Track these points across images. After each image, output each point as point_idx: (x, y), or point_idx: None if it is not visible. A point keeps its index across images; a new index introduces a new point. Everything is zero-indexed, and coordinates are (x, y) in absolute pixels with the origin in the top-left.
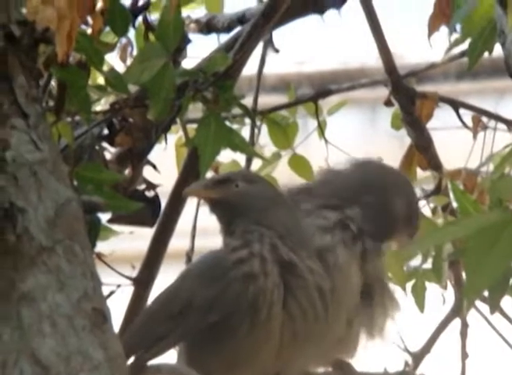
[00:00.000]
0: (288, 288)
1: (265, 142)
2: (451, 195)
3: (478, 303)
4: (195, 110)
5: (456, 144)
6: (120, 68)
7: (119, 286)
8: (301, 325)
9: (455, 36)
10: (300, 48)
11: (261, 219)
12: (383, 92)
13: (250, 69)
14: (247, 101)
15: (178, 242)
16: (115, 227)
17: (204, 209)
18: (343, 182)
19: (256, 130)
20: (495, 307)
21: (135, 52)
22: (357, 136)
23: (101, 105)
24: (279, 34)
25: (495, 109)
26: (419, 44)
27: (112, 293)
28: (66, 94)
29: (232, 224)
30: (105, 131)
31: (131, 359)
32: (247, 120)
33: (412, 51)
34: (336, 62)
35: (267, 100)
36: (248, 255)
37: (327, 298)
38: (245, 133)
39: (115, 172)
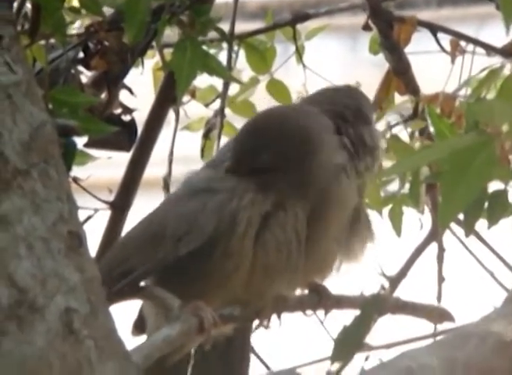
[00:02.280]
0: (267, 224)
1: (243, 67)
2: (428, 120)
3: (455, 227)
4: (172, 35)
5: (434, 68)
6: None
7: (96, 210)
8: (274, 260)
9: None
10: None
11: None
12: (363, 19)
13: None
14: (225, 28)
15: (155, 170)
16: (92, 152)
17: (183, 135)
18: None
19: (233, 55)
20: (470, 230)
21: None
22: (336, 62)
23: (76, 29)
24: None
25: (476, 35)
26: None
27: (89, 217)
28: (41, 16)
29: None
30: (81, 54)
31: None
32: (225, 45)
33: None
34: None
35: (247, 27)
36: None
37: (302, 243)
38: (222, 58)
39: (91, 95)
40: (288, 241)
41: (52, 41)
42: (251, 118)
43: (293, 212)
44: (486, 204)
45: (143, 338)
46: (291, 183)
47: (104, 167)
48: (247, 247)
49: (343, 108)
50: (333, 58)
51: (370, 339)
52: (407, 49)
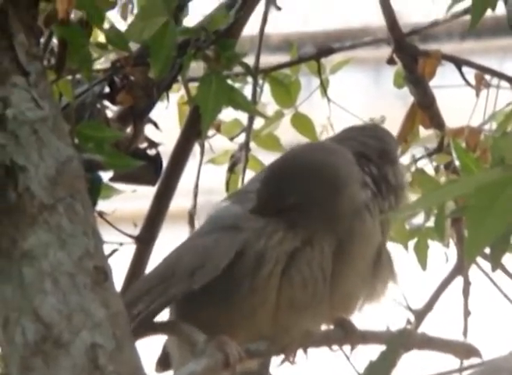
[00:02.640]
0: (293, 260)
1: (268, 101)
2: (453, 154)
3: (481, 261)
4: (197, 69)
5: (459, 102)
6: (121, 26)
7: (121, 244)
8: (299, 296)
9: None
10: (304, 6)
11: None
12: (387, 52)
13: (252, 28)
14: (250, 61)
15: (180, 202)
16: (118, 186)
17: (208, 169)
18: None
19: (258, 89)
20: (496, 264)
21: (136, 10)
22: (360, 96)
23: (102, 64)
24: None
25: (499, 68)
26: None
27: (114, 251)
28: (67, 52)
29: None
30: (107, 89)
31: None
32: (249, 79)
33: (416, 9)
34: (339, 22)
35: (270, 60)
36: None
37: (327, 278)
38: (247, 92)
39: (117, 130)
40: (314, 277)
41: (78, 76)
42: (278, 158)
43: (320, 247)
44: None
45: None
46: (318, 219)
47: (129, 200)
48: (273, 283)
49: (367, 147)
50: (357, 91)
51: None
52: (432, 83)
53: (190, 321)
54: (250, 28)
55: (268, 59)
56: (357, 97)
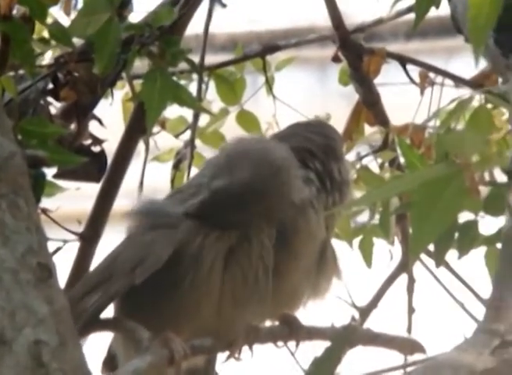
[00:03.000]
0: (233, 252)
1: (213, 98)
2: (398, 150)
3: (425, 258)
4: (142, 67)
5: (404, 100)
6: (64, 21)
7: (65, 241)
8: (241, 288)
9: None
10: (250, 6)
11: None
12: (333, 51)
13: (198, 27)
14: (196, 59)
15: (125, 202)
16: (62, 183)
17: (153, 166)
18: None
19: (203, 86)
20: (440, 261)
21: (79, 6)
22: (305, 94)
23: (46, 60)
24: None
25: (445, 68)
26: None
27: (58, 249)
28: (10, 47)
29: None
30: (50, 85)
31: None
32: (195, 76)
33: (361, 9)
34: (286, 21)
35: (217, 59)
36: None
37: (269, 269)
38: (193, 89)
39: (60, 126)
40: (254, 269)
41: (22, 72)
42: (219, 149)
43: (259, 240)
44: (456, 234)
45: None
46: (255, 215)
47: (74, 199)
48: (214, 277)
49: (312, 143)
50: (302, 90)
51: (341, 371)
52: (377, 81)
53: (135, 318)
54: (196, 27)
55: (214, 59)
56: (303, 96)
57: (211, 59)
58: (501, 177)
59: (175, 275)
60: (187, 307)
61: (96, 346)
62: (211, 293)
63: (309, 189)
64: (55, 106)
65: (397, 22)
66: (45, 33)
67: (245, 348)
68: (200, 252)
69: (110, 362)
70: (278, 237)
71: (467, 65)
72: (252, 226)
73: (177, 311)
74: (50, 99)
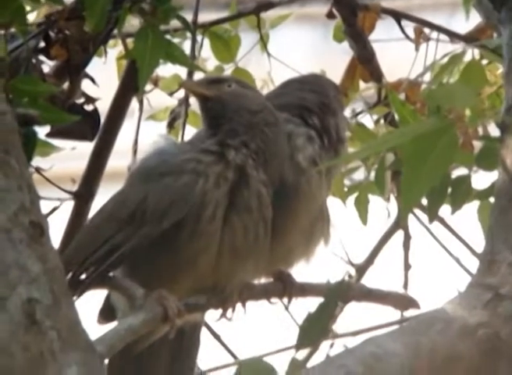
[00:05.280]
0: (233, 206)
1: (208, 56)
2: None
3: (421, 215)
4: (136, 25)
5: (399, 56)
6: None
7: (61, 201)
8: (241, 242)
9: None
10: None
11: (249, 124)
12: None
13: None
14: (190, 17)
15: (120, 161)
16: (56, 143)
17: (148, 125)
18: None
19: (198, 44)
20: (433, 216)
21: None
22: (309, 51)
23: (37, 17)
24: None
25: (447, 24)
26: None
27: (54, 209)
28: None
29: (216, 126)
30: (42, 44)
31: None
32: (189, 35)
33: None
34: None
35: (211, 17)
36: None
37: (268, 226)
38: (187, 47)
39: (52, 85)
40: (254, 224)
41: (12, 30)
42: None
43: (257, 190)
44: (450, 190)
45: (109, 327)
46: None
47: (68, 159)
48: (215, 227)
49: (307, 102)
50: (306, 47)
51: (337, 327)
52: (372, 37)
53: (132, 275)
54: None
55: (209, 17)
56: (306, 53)
57: (205, 17)
58: (495, 132)
59: (175, 224)
60: (186, 257)
61: (90, 302)
62: (210, 245)
63: (312, 147)
64: (47, 65)
65: None
66: None
67: (239, 304)
68: (202, 201)
69: (106, 313)
70: (279, 197)
71: (471, 21)
72: (247, 159)
73: (175, 263)
74: (42, 58)
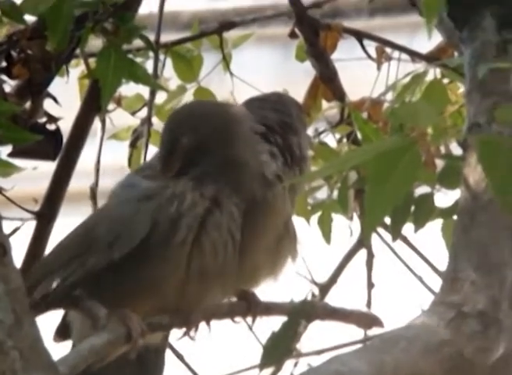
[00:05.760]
0: (203, 227)
1: (170, 76)
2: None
3: (383, 233)
4: (98, 45)
5: (361, 75)
6: None
7: (23, 221)
8: (209, 264)
9: None
10: None
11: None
12: None
13: (154, 4)
14: (152, 37)
15: (82, 182)
16: (18, 163)
17: (110, 145)
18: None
19: (160, 64)
20: (396, 234)
21: None
22: (270, 72)
23: None
24: None
25: (409, 45)
26: None
27: (16, 229)
28: None
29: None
30: (3, 63)
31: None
32: (152, 54)
33: None
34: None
35: (174, 36)
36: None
37: (237, 247)
38: (150, 67)
39: (14, 104)
40: (223, 244)
41: None
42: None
43: (229, 211)
44: (413, 208)
45: (65, 344)
46: (220, 170)
47: (30, 179)
48: (184, 251)
49: (268, 120)
50: (268, 67)
51: (301, 346)
52: (335, 56)
53: (95, 295)
54: (153, 4)
55: (177, 37)
56: (267, 73)
57: (168, 37)
58: (457, 151)
59: (145, 247)
60: (153, 280)
61: (49, 321)
62: (177, 269)
63: (275, 163)
64: (9, 84)
65: None
66: None
67: (202, 324)
68: (176, 223)
69: (63, 332)
70: (245, 212)
71: (431, 41)
72: (220, 189)
73: (141, 286)
74: (3, 77)
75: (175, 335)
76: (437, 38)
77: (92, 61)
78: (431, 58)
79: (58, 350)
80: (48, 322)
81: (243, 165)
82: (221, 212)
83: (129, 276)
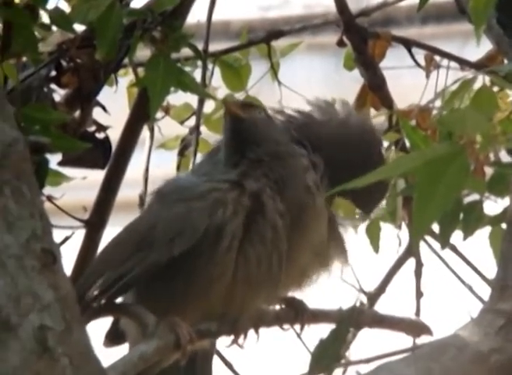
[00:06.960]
0: (248, 237)
1: (219, 85)
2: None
3: (433, 242)
4: (146, 54)
5: (409, 83)
6: (65, 7)
7: (72, 230)
8: (254, 272)
9: None
10: None
11: (274, 153)
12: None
13: (203, 13)
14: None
15: (130, 191)
16: (67, 172)
17: (158, 154)
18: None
19: (209, 73)
20: (445, 242)
21: None
22: (321, 80)
23: (49, 46)
24: None
25: (460, 53)
26: None
27: (67, 238)
28: (12, 34)
29: (240, 152)
30: (53, 72)
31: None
32: (200, 63)
33: None
34: (300, 8)
35: (222, 45)
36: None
37: (282, 257)
38: (198, 76)
39: (63, 113)
40: (268, 255)
41: (24, 59)
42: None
43: (273, 222)
44: (461, 216)
45: (114, 350)
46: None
47: (79, 188)
48: (231, 257)
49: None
50: (317, 75)
51: (350, 354)
52: (383, 64)
53: (144, 302)
54: (202, 13)
55: (222, 46)
56: (318, 81)
57: (216, 46)
58: (506, 158)
59: (192, 251)
60: (200, 285)
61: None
62: (224, 274)
63: (315, 172)
64: (58, 93)
65: (413, 7)
66: (46, 19)
67: (251, 331)
68: (220, 231)
69: (113, 336)
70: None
71: (483, 49)
72: (263, 186)
73: (189, 290)
74: (53, 86)
75: (223, 343)
76: (488, 46)
77: (141, 70)
78: (480, 65)
79: (107, 354)
80: (97, 327)
81: (291, 163)
82: (264, 222)
83: (178, 281)
